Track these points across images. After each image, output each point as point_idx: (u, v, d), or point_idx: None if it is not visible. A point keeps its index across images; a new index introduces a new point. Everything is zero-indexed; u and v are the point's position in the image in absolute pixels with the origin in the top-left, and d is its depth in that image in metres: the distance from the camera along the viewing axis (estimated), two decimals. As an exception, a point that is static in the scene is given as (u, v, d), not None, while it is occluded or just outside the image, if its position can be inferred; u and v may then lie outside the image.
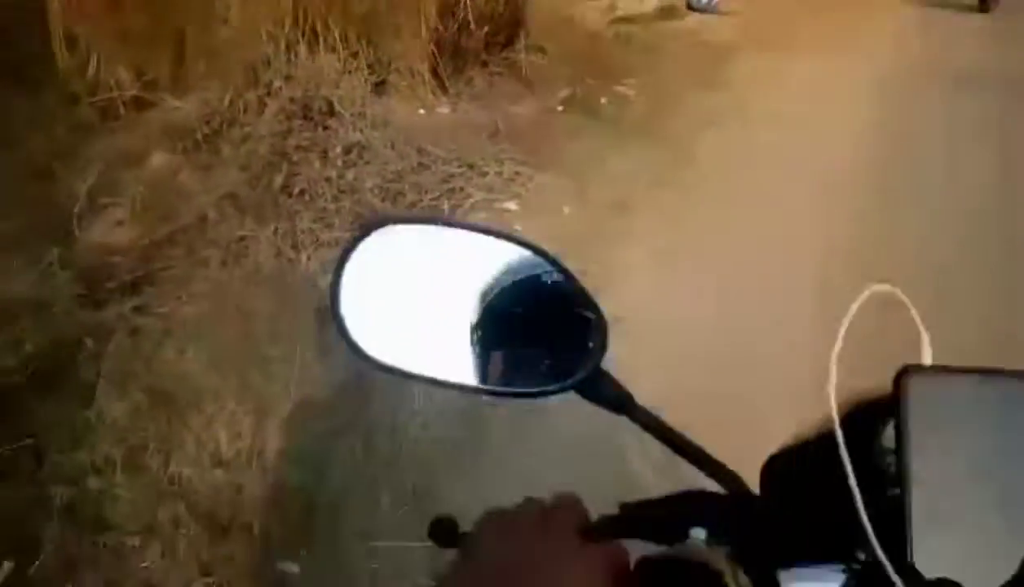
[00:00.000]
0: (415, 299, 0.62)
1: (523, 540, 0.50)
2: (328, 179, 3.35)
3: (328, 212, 3.25)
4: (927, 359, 0.46)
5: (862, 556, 0.49)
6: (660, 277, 3.10)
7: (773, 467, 0.58)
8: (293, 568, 1.95)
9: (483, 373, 0.62)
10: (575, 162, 3.90)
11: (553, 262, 0.62)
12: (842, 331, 0.48)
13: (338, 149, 3.41)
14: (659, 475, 1.96)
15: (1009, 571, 0.44)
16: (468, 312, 0.62)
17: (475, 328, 0.63)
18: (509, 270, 0.62)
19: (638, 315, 2.94)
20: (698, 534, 0.51)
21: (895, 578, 0.43)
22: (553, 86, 4.69)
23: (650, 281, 3.11)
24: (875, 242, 3.42)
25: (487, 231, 0.63)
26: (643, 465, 2.34)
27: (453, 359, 0.62)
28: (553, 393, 0.60)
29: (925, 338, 0.46)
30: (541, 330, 0.64)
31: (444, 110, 4.25)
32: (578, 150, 4.01)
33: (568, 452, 2.33)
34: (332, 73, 3.77)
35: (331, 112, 3.58)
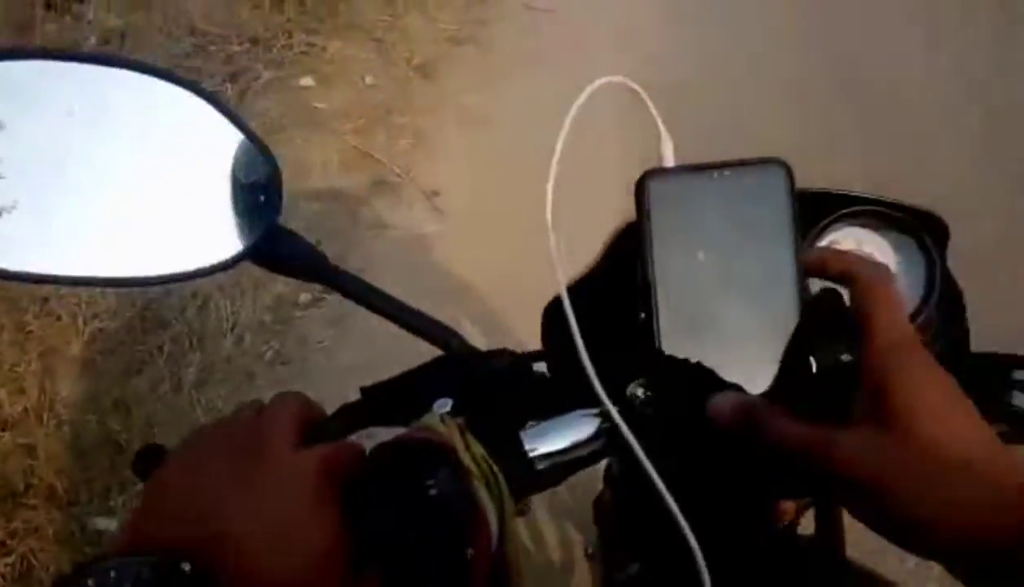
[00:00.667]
0: (20, 167, 0.44)
1: (219, 458, 0.40)
2: (87, 77, 2.91)
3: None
4: (669, 160, 0.45)
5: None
6: (474, 142, 2.95)
7: (548, 316, 0.56)
8: (109, 524, 1.79)
9: (128, 257, 0.46)
10: (371, 25, 3.59)
11: (203, 94, 0.46)
12: (567, 123, 0.46)
13: (92, 40, 2.95)
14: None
15: (762, 377, 0.43)
16: (97, 176, 0.45)
17: (110, 197, 0.46)
18: (144, 112, 0.45)
19: (454, 184, 2.81)
20: (442, 406, 0.47)
21: (618, 419, 0.43)
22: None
23: (464, 147, 2.96)
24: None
25: (99, 60, 0.45)
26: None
27: (83, 245, 0.45)
28: (224, 268, 0.47)
29: (666, 138, 0.45)
30: (197, 188, 0.49)
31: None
32: (373, 11, 3.68)
33: (394, 346, 2.23)
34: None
35: (77, -4, 3.07)
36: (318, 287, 2.46)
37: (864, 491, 0.37)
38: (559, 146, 0.45)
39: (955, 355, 0.59)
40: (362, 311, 2.05)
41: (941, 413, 0.37)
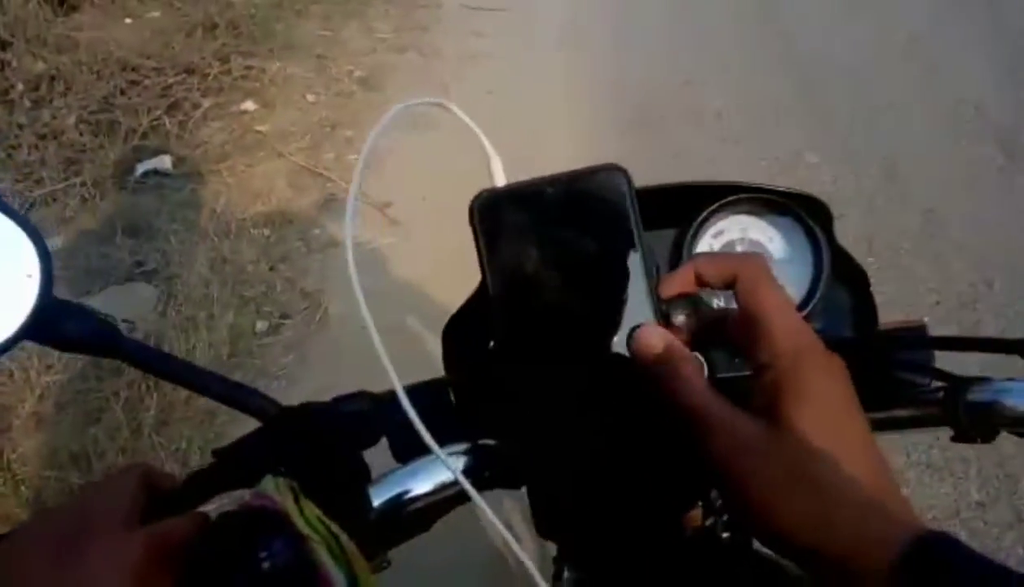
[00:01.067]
0: None
1: (45, 545, 0.37)
2: (20, 126, 2.85)
3: (32, 165, 2.78)
4: (499, 180, 0.45)
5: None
6: (422, 149, 2.92)
7: (444, 337, 0.56)
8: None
9: None
10: (310, 42, 3.54)
11: None
12: (365, 152, 0.46)
13: (20, 86, 2.89)
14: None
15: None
16: None
17: None
18: None
19: (406, 194, 2.78)
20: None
21: (449, 467, 0.41)
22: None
23: (413, 155, 2.92)
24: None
25: None
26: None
27: None
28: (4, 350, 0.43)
29: (493, 157, 0.45)
30: None
31: (155, 14, 3.70)
32: (310, 27, 3.64)
33: (356, 369, 2.20)
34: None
35: (0, 44, 3.00)
36: (276, 313, 2.43)
37: (742, 480, 0.35)
38: (358, 172, 0.42)
39: (862, 335, 0.57)
40: (321, 335, 1.97)
41: (830, 430, 0.35)
